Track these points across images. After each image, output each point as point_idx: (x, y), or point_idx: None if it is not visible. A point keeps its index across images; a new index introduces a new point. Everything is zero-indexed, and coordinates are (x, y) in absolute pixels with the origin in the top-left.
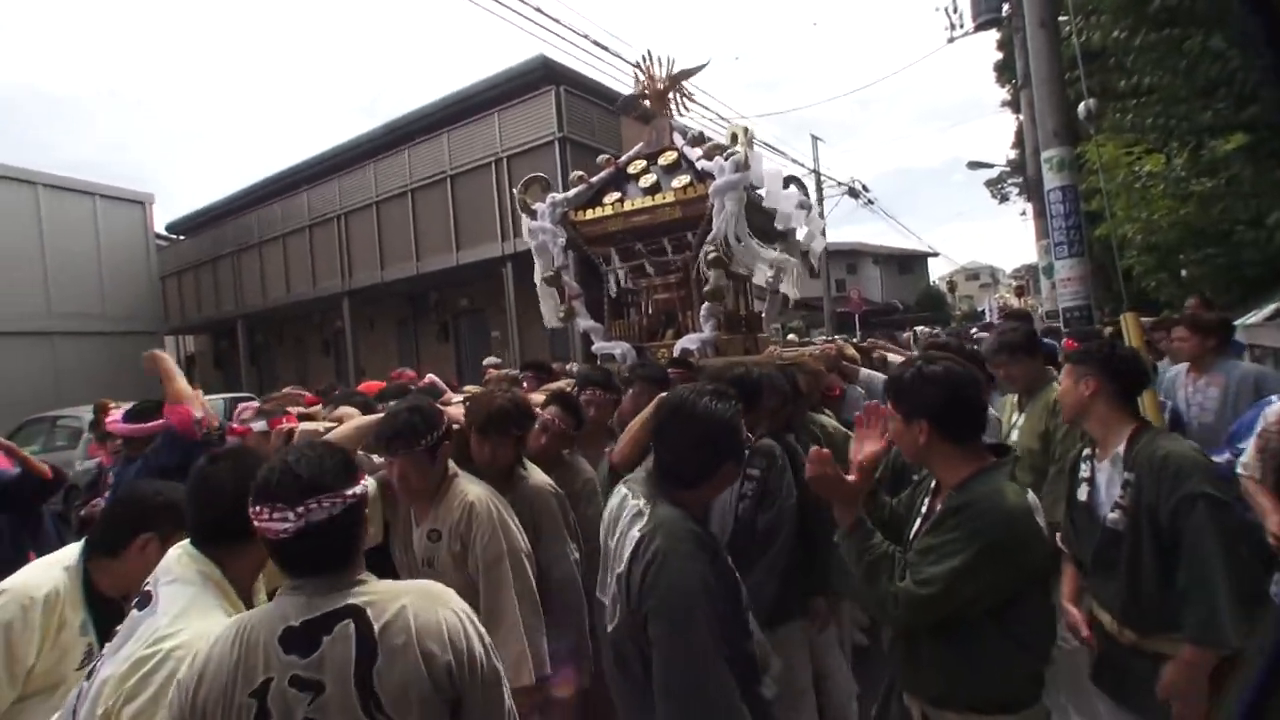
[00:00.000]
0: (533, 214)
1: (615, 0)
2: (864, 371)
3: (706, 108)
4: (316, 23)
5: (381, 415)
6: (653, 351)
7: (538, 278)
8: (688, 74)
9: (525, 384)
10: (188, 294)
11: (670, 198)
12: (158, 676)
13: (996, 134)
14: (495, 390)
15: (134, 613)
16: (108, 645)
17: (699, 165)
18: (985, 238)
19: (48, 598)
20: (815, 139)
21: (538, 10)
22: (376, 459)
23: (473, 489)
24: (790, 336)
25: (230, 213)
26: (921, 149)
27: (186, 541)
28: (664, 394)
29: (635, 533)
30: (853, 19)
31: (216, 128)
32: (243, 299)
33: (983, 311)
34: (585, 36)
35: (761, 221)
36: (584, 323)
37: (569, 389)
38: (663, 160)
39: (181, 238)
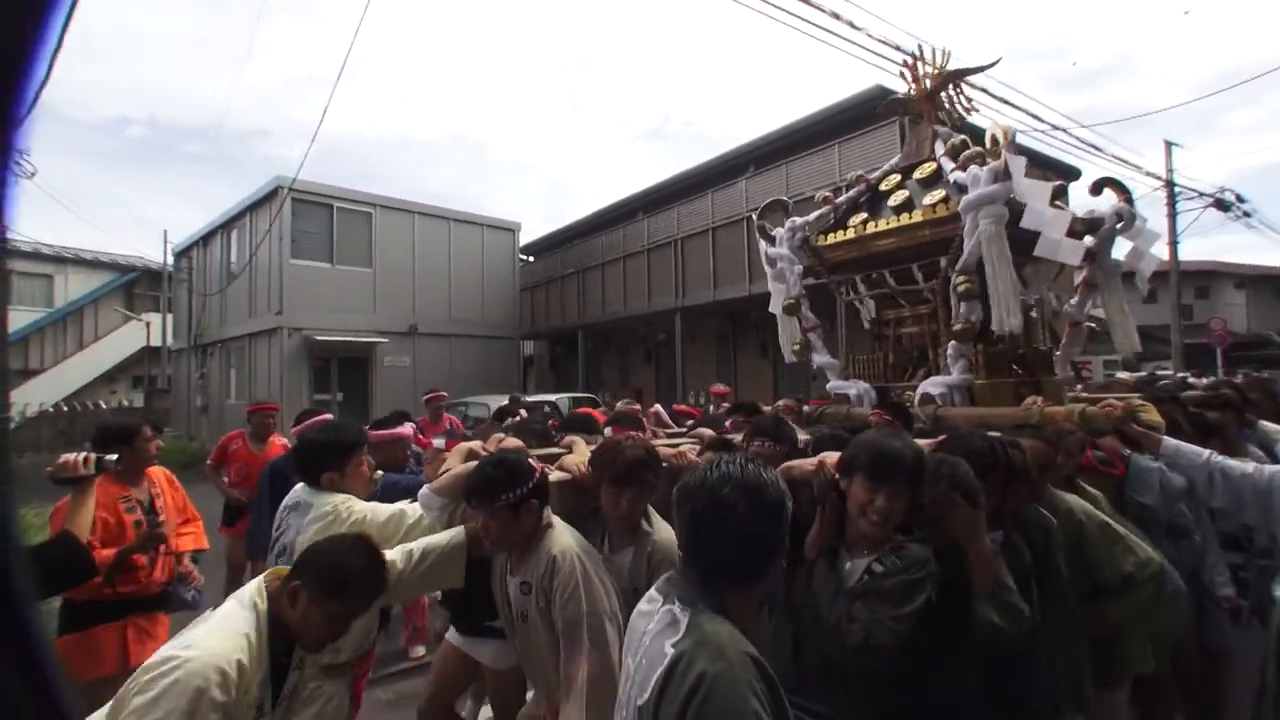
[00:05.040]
0: (771, 240)
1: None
2: (1169, 442)
3: (1024, 110)
4: (604, 51)
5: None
6: (897, 393)
7: (775, 307)
8: (963, 73)
9: (731, 425)
10: (538, 306)
11: (919, 217)
12: (164, 681)
13: None
14: (621, 439)
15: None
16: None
17: (952, 178)
18: None
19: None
20: (1169, 145)
21: (857, 30)
22: None
23: (561, 540)
24: (1120, 374)
25: (575, 237)
26: None
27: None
28: (685, 477)
29: (668, 648)
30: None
31: (529, 161)
32: (584, 311)
33: None
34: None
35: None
36: (819, 358)
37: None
38: (918, 174)
39: (530, 258)
